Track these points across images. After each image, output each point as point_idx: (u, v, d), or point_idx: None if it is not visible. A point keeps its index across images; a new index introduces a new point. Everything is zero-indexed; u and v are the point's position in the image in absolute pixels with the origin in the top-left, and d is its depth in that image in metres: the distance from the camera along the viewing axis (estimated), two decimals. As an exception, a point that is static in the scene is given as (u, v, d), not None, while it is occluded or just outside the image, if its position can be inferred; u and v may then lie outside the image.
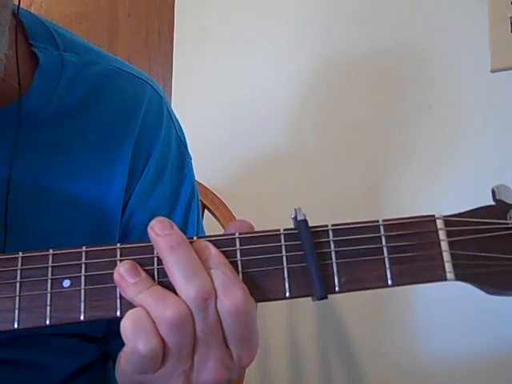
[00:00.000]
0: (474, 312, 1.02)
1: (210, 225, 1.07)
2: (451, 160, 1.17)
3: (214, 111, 1.44)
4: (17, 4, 0.64)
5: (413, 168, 1.21)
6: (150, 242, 0.48)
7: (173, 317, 0.45)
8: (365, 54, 1.28)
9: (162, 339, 0.46)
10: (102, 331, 0.71)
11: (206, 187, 1.17)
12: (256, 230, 1.41)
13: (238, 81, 1.42)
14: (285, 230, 0.49)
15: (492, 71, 1.14)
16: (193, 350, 0.47)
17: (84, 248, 0.49)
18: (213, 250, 0.48)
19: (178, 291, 0.46)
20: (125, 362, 0.48)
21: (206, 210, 1.17)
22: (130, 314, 0.46)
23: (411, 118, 1.22)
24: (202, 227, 0.78)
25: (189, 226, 0.73)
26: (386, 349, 1.19)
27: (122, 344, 0.70)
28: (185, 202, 0.73)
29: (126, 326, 0.46)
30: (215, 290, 0.46)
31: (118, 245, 0.48)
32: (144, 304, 0.46)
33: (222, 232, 1.20)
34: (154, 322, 0.46)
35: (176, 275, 0.46)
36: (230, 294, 0.46)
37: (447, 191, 1.16)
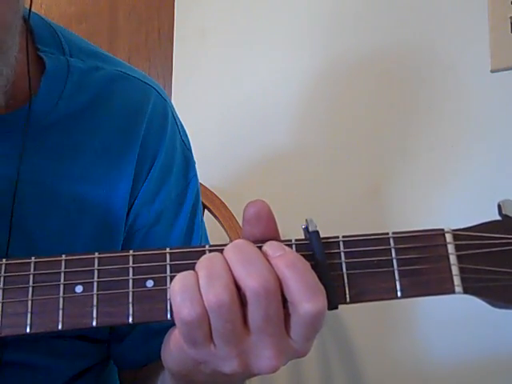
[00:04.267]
0: (476, 313, 1.02)
1: (210, 225, 1.07)
2: (451, 160, 1.17)
3: (214, 111, 1.44)
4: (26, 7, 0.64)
5: (413, 168, 1.21)
6: (162, 248, 0.48)
7: (214, 301, 0.44)
8: (365, 55, 1.28)
9: (207, 313, 0.44)
10: (107, 334, 0.71)
11: (206, 187, 1.17)
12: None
13: (238, 81, 1.42)
14: (296, 240, 0.49)
15: (492, 71, 1.14)
16: (246, 335, 0.45)
17: (97, 254, 0.49)
18: (287, 248, 0.47)
19: (239, 282, 0.44)
20: (176, 335, 0.47)
21: (205, 210, 1.17)
22: (180, 276, 0.45)
23: (411, 118, 1.22)
24: (206, 232, 0.78)
25: (195, 230, 0.73)
26: (386, 349, 1.19)
27: (127, 349, 0.70)
28: (190, 205, 0.73)
29: (174, 289, 0.45)
30: (295, 292, 0.44)
31: (131, 251, 0.49)
32: (198, 272, 0.45)
33: (221, 232, 1.20)
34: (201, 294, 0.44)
35: (237, 266, 0.45)
36: (314, 300, 0.44)
37: (447, 191, 1.17)
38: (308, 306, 0.44)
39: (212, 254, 0.47)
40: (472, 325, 1.08)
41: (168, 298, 0.47)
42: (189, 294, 0.44)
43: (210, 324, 0.45)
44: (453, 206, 1.15)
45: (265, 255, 0.46)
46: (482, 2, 1.16)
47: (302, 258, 0.46)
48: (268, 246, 0.47)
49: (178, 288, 0.45)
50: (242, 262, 0.45)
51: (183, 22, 1.53)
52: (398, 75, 1.25)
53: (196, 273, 0.45)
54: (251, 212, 0.48)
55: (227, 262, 0.45)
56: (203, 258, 0.47)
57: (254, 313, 0.44)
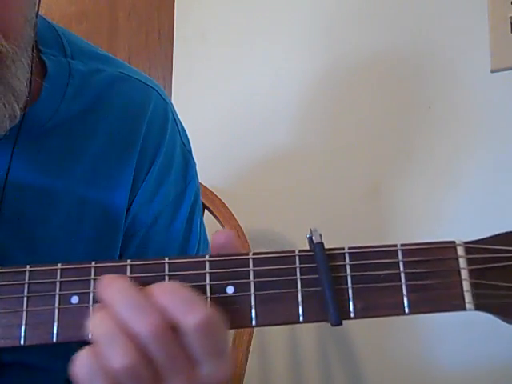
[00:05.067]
0: (478, 315, 1.02)
1: (210, 225, 1.07)
2: (451, 160, 1.17)
3: (214, 111, 1.44)
4: None
5: (413, 168, 1.20)
6: (160, 258, 0.48)
7: (120, 368, 0.43)
8: (365, 55, 1.28)
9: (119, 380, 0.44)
10: None
11: (206, 187, 1.17)
12: (256, 230, 1.40)
13: (238, 81, 1.42)
14: (300, 251, 0.48)
15: (492, 71, 1.14)
16: (159, 382, 0.45)
17: (93, 264, 0.48)
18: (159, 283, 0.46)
19: (132, 331, 0.44)
20: None
21: (205, 210, 1.17)
22: (80, 358, 0.44)
23: (411, 118, 1.22)
24: (205, 233, 0.78)
25: (192, 232, 0.73)
26: (387, 350, 1.19)
27: None
28: (188, 207, 0.73)
29: (79, 372, 0.44)
30: (174, 316, 0.44)
31: (128, 261, 0.48)
32: (95, 343, 0.44)
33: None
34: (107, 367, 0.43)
35: (124, 315, 0.44)
36: (190, 312, 0.44)
37: (447, 191, 1.16)
38: (190, 319, 0.43)
39: (101, 313, 0.45)
40: (473, 326, 1.08)
41: None
42: (93, 375, 0.43)
43: None
44: (453, 205, 1.15)
45: (149, 295, 0.45)
46: (482, 2, 1.16)
47: (169, 282, 0.46)
48: (151, 286, 0.46)
49: (81, 365, 0.44)
50: (129, 311, 0.44)
51: (183, 22, 1.53)
52: (398, 75, 1.25)
53: (93, 347, 0.44)
54: (216, 243, 0.48)
55: (117, 315, 0.44)
56: (94, 322, 0.45)
57: (157, 356, 0.44)
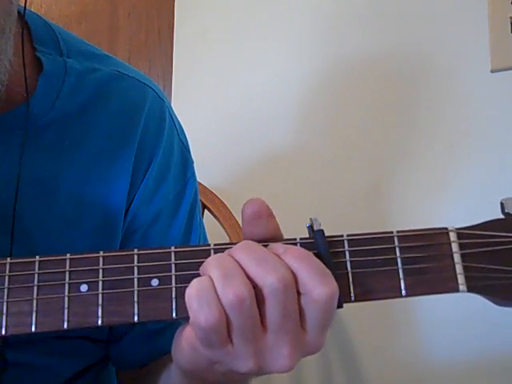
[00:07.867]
0: (476, 312, 1.02)
1: (210, 225, 1.07)
2: (451, 160, 1.17)
3: (214, 111, 1.44)
4: (22, 6, 0.64)
5: (413, 168, 1.21)
6: (167, 247, 0.49)
7: (233, 298, 0.44)
8: (365, 55, 1.28)
9: (226, 314, 0.44)
10: (106, 333, 0.71)
11: (205, 187, 1.17)
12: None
13: (238, 81, 1.42)
14: (301, 238, 0.50)
15: (492, 71, 1.14)
16: (263, 333, 0.45)
17: (101, 253, 0.49)
18: (289, 245, 0.47)
19: (256, 279, 0.45)
20: (190, 334, 0.47)
21: (205, 210, 1.17)
22: (195, 282, 0.45)
23: (411, 118, 1.22)
24: (205, 231, 0.78)
25: (192, 231, 0.73)
26: (387, 349, 1.19)
27: (125, 348, 0.70)
28: (188, 206, 0.73)
29: (191, 295, 0.44)
30: (307, 280, 0.45)
31: (136, 250, 0.49)
32: (210, 274, 0.45)
33: (221, 231, 1.20)
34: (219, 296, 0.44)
35: (250, 265, 0.45)
36: (326, 283, 0.44)
37: (447, 191, 1.17)
38: (321, 290, 0.44)
39: (218, 255, 0.47)
40: (472, 324, 1.08)
41: (173, 296, 0.47)
42: (205, 298, 0.44)
43: (228, 325, 0.45)
44: (453, 205, 1.15)
45: (283, 254, 0.46)
46: (482, 2, 1.16)
47: (304, 249, 0.47)
48: (272, 246, 0.47)
49: (195, 293, 0.44)
50: (257, 261, 0.45)
51: (183, 22, 1.53)
52: (398, 75, 1.25)
53: (209, 276, 0.45)
54: (250, 212, 0.49)
55: (238, 262, 0.45)
56: (211, 259, 0.47)
57: (273, 309, 0.45)
